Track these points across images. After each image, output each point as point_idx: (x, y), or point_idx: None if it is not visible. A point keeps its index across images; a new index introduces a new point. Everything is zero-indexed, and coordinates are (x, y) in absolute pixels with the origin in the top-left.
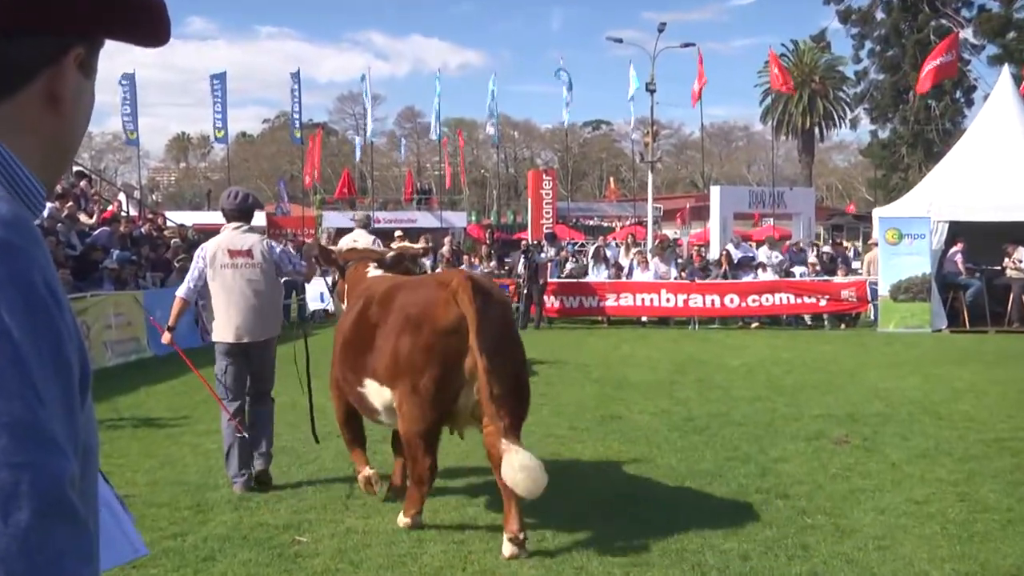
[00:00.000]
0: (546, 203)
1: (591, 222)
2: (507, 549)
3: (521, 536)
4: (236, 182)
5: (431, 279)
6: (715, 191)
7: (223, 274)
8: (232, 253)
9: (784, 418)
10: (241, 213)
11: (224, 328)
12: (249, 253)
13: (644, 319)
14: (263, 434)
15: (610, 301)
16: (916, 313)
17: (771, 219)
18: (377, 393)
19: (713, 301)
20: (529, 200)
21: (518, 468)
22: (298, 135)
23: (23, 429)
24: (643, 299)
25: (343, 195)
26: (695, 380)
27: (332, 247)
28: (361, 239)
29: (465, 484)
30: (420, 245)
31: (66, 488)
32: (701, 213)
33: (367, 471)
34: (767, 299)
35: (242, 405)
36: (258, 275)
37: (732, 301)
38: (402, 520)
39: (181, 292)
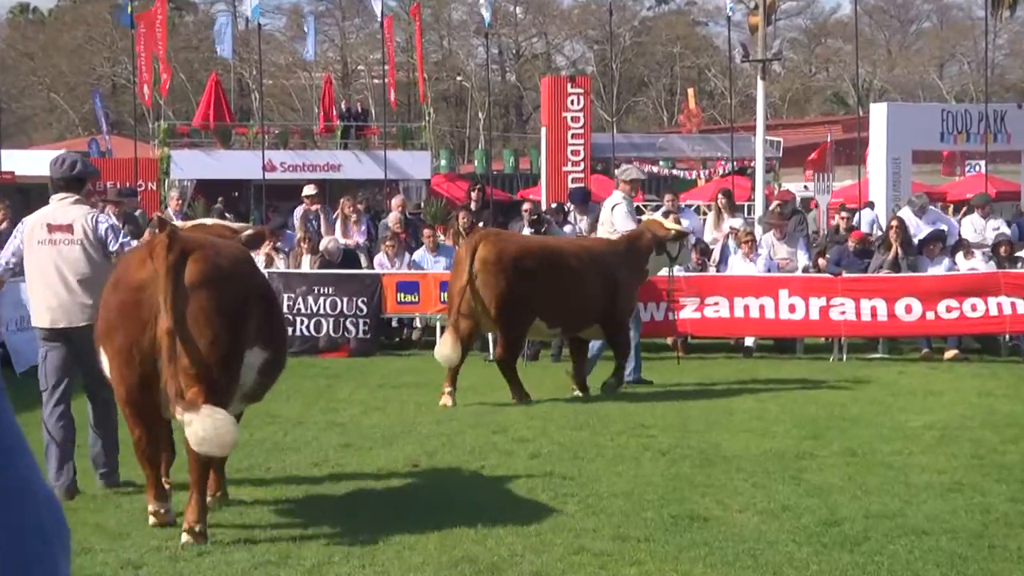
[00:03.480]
0: (573, 134)
1: (654, 169)
2: (184, 538)
3: (197, 528)
4: (11, 98)
5: (148, 239)
6: (879, 112)
7: (39, 251)
8: (51, 228)
9: (1006, 523)
10: (68, 183)
11: (39, 311)
12: (70, 228)
13: (750, 342)
14: (100, 438)
15: (688, 311)
16: None
17: (981, 162)
18: (104, 361)
19: (875, 310)
20: (543, 131)
21: (199, 441)
22: (129, 11)
23: None
24: (748, 307)
25: (208, 121)
26: (842, 452)
27: (181, 222)
28: (620, 209)
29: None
30: (676, 226)
31: None
32: (852, 152)
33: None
34: (974, 307)
35: (64, 396)
36: (78, 253)
37: (909, 311)
38: (149, 508)
39: None
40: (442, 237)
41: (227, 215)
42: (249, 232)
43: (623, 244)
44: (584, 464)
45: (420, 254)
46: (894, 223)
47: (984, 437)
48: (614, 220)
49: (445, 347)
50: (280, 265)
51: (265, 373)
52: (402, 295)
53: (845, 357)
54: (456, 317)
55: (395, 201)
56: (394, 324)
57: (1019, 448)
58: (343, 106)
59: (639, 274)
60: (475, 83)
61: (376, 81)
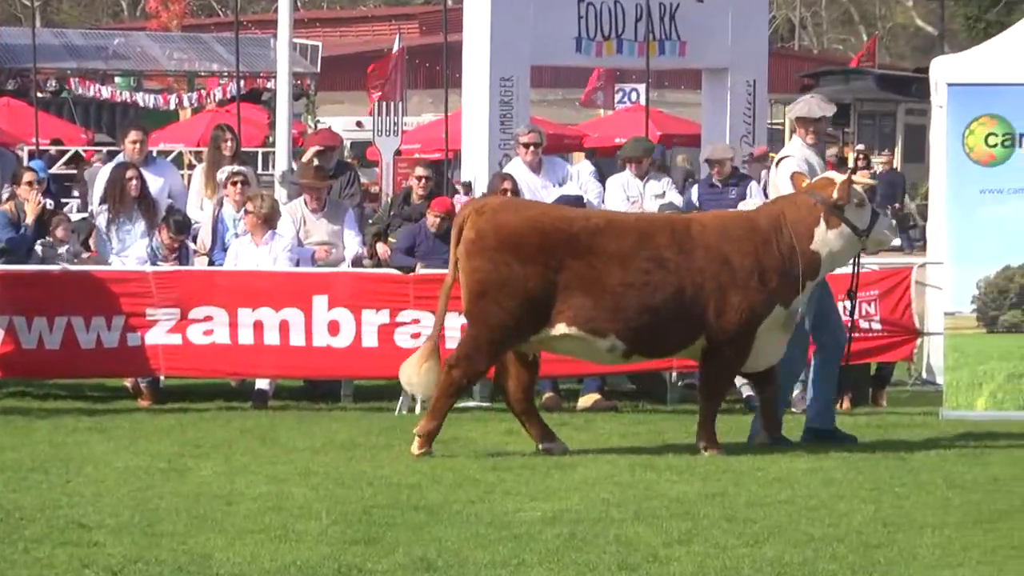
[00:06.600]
0: None
1: (104, 91)
2: None
3: None
4: None
5: None
6: (477, 3)
7: None
8: None
9: None
10: None
11: None
12: None
13: (264, 384)
14: None
15: (160, 332)
16: None
17: (640, 88)
18: None
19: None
20: None
21: None
22: None
23: None
24: (260, 325)
25: None
26: (412, 564)
27: None
28: (788, 165)
29: None
30: (862, 180)
31: None
32: (435, 68)
33: None
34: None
35: None
36: None
37: None
38: None
39: None
40: None
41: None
42: None
43: (762, 218)
44: None
45: None
46: (507, 185)
47: (638, 536)
48: (778, 182)
49: (407, 369)
50: None
51: None
52: None
53: (420, 407)
54: (439, 327)
55: None
56: None
57: (691, 553)
58: None
59: (794, 265)
60: None
61: None
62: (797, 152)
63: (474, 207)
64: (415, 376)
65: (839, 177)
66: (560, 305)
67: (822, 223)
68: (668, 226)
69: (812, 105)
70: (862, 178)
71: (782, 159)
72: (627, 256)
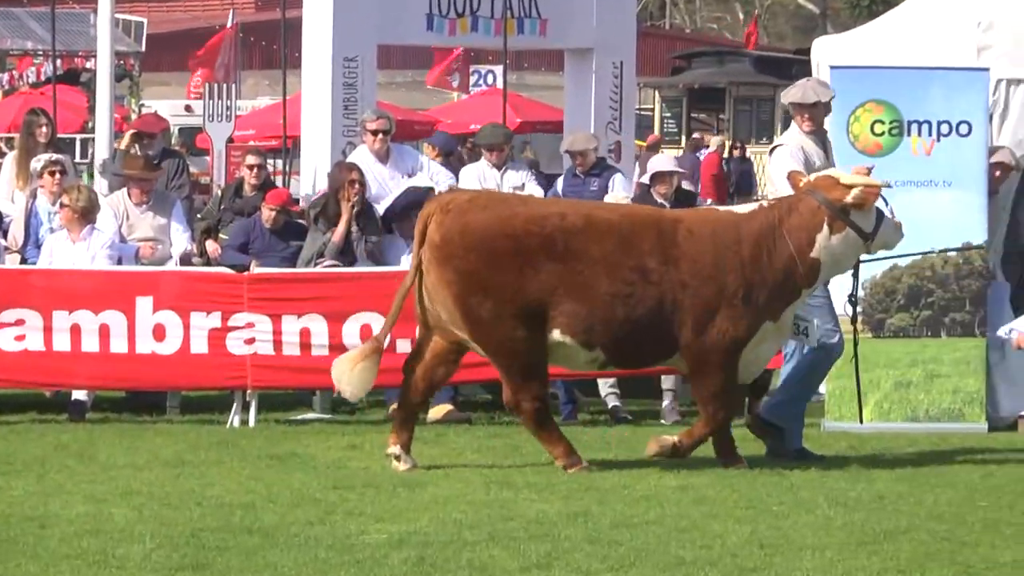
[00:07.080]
0: None
1: None
2: None
3: None
4: None
5: None
6: None
7: None
8: None
9: None
10: None
11: None
12: None
13: (82, 396)
14: None
15: None
16: (950, 371)
17: (496, 69)
18: None
19: (308, 335)
20: None
21: None
22: None
23: None
24: (77, 329)
25: None
26: None
27: None
28: (780, 155)
29: None
30: (864, 179)
31: None
32: (273, 48)
33: None
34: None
35: None
36: None
37: (368, 335)
38: None
39: None
40: None
41: None
42: None
43: (757, 225)
44: None
45: None
46: (353, 176)
47: (493, 560)
48: (771, 173)
49: (340, 364)
50: None
51: None
52: None
53: (254, 419)
54: (389, 326)
55: None
56: None
57: None
58: None
59: (789, 276)
60: None
61: None
62: (793, 141)
63: (439, 204)
64: (345, 375)
65: (845, 177)
66: (552, 311)
67: (825, 228)
68: (654, 227)
69: (807, 89)
70: (864, 177)
71: (775, 148)
72: (611, 262)
